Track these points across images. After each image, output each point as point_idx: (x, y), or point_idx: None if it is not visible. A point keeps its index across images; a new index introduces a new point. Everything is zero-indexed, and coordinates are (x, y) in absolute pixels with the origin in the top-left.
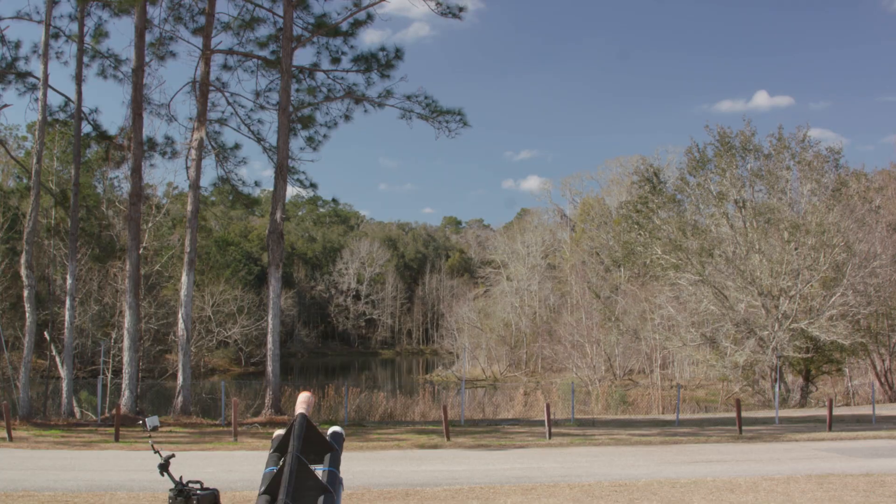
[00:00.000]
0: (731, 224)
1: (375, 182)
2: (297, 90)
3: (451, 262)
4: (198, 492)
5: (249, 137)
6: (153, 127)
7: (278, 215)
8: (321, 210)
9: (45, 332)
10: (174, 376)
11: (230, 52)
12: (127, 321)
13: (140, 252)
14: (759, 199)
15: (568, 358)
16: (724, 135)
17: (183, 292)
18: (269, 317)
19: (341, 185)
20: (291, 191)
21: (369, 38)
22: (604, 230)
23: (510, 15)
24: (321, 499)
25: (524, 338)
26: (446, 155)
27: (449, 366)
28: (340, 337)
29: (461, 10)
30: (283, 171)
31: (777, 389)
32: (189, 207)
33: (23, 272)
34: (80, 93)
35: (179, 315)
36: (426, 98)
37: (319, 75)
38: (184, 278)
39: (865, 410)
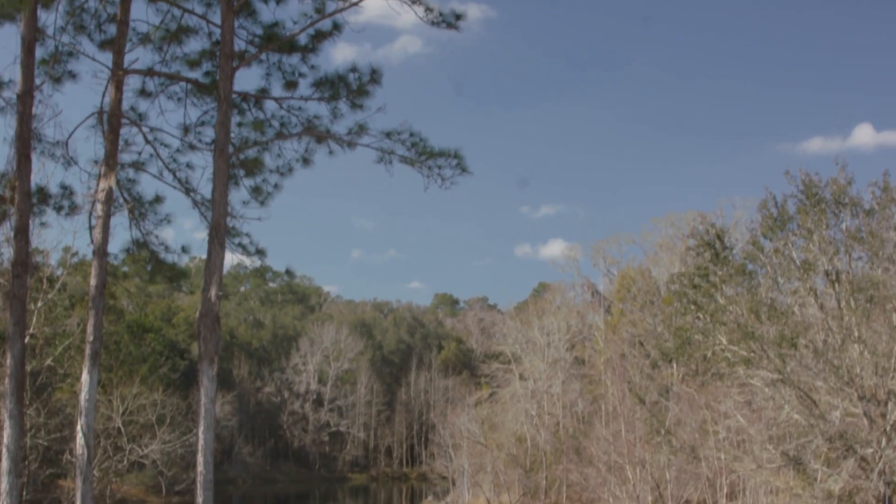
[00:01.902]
0: (821, 304)
1: (346, 248)
2: (240, 124)
3: (444, 354)
4: None
5: (175, 187)
6: (45, 173)
7: (213, 292)
8: (271, 285)
9: None
10: None
11: (149, 72)
12: (6, 436)
13: (26, 341)
14: (858, 271)
15: (602, 485)
16: (810, 184)
17: (83, 396)
18: (200, 429)
19: (299, 252)
20: (231, 259)
21: (340, 55)
22: (650, 312)
23: (526, 28)
24: None
25: (543, 458)
26: (439, 212)
27: (442, 496)
28: (296, 456)
29: (459, 18)
30: (221, 233)
31: None
32: (93, 281)
33: None
34: None
35: (78, 427)
36: (412, 135)
37: (269, 104)
38: (85, 377)
39: None
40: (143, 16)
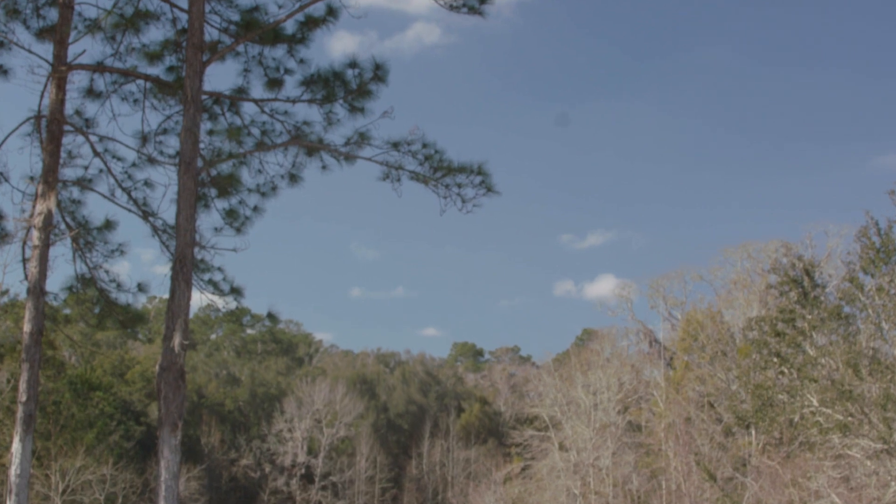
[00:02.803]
0: None
1: (343, 285)
2: (212, 132)
3: (466, 418)
4: None
5: (130, 210)
6: None
7: (177, 341)
8: (250, 332)
9: None
10: None
11: (99, 67)
12: None
13: None
14: None
15: None
16: None
17: (13, 470)
18: None
19: (285, 292)
20: (200, 300)
21: (338, 47)
22: (722, 366)
23: (568, 11)
24: None
25: None
26: (460, 241)
27: None
28: None
29: (484, 2)
30: (187, 268)
31: None
32: (26, 327)
33: None
34: None
35: None
36: (425, 146)
37: (248, 108)
38: (16, 445)
39: None
40: None
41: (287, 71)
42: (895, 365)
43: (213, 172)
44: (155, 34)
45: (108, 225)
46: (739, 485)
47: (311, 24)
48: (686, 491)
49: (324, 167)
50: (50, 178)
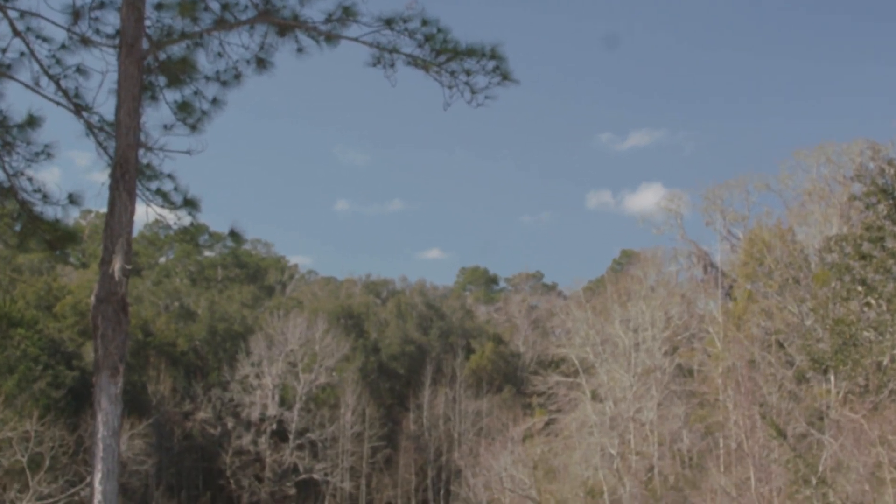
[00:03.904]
0: None
1: (325, 197)
2: (160, 6)
3: (476, 362)
4: None
5: (60, 103)
6: None
7: (117, 266)
8: (207, 254)
9: None
10: None
11: None
12: None
13: None
14: None
15: None
16: None
17: None
18: (97, 477)
19: (252, 205)
20: (146, 214)
21: None
22: (794, 296)
23: None
24: None
25: None
26: (470, 142)
27: None
28: None
29: None
30: (129, 175)
31: None
32: None
33: None
34: None
35: None
36: (426, 23)
37: None
38: None
39: None
40: None
41: None
42: None
43: (162, 56)
44: None
45: (32, 121)
46: (815, 443)
47: None
48: (749, 450)
49: (299, 50)
50: None
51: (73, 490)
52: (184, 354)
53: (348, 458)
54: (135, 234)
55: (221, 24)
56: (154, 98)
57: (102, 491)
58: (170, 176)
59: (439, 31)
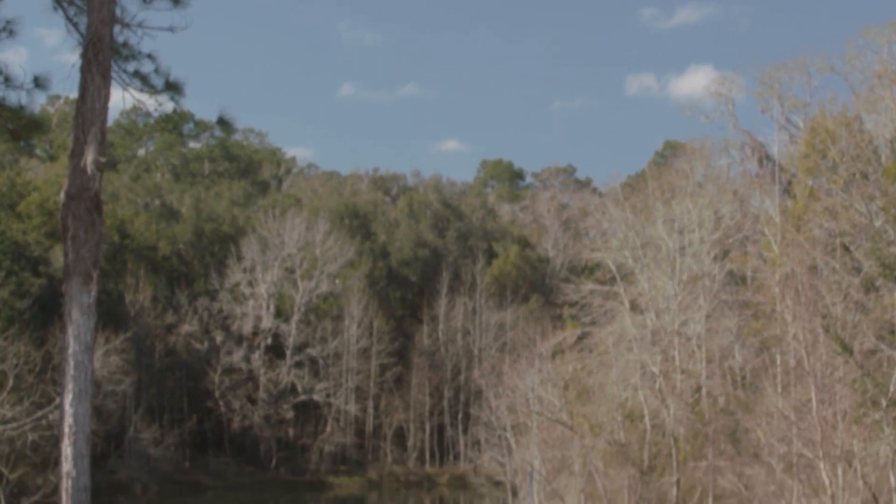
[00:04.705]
0: None
1: (328, 82)
2: None
3: (499, 267)
4: None
5: None
6: None
7: (90, 158)
8: (193, 146)
9: None
10: None
11: None
12: None
13: None
14: None
15: (778, 496)
16: None
17: None
18: (68, 398)
19: (243, 91)
20: (122, 100)
21: None
22: (861, 193)
23: None
24: None
25: (673, 449)
26: (495, 20)
27: None
28: (236, 445)
29: None
30: (103, 55)
31: None
32: None
33: None
34: None
35: None
36: None
37: None
38: None
39: None
40: None
41: None
42: None
43: None
44: None
45: None
46: (885, 359)
47: None
48: (810, 368)
49: None
50: None
51: (40, 413)
52: (166, 259)
53: (353, 378)
54: (110, 122)
55: None
56: None
57: (74, 413)
58: (149, 56)
59: None
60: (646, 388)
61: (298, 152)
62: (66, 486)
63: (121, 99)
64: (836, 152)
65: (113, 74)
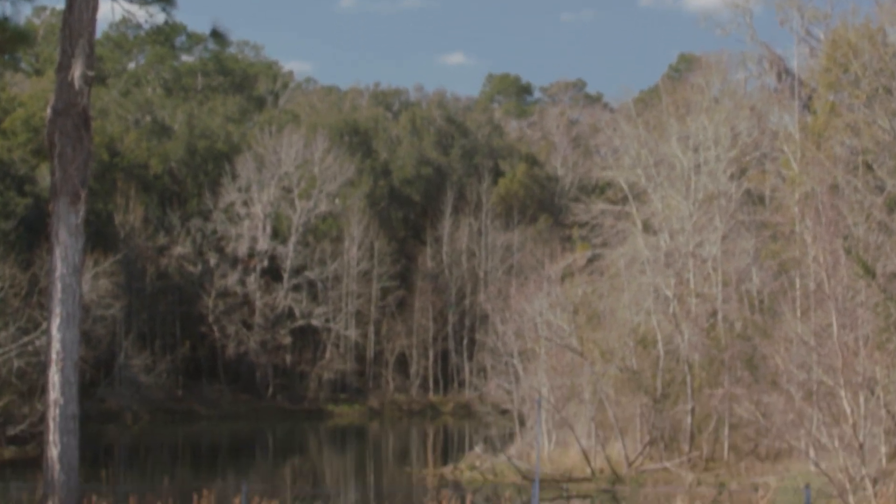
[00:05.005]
0: None
1: None
2: None
3: (506, 186)
4: None
5: None
6: None
7: (77, 72)
8: (185, 59)
9: None
10: None
11: None
12: None
13: None
14: None
15: (797, 425)
16: None
17: None
18: (55, 323)
19: (240, 2)
20: (111, 11)
21: None
22: (885, 108)
23: None
24: None
25: (688, 376)
26: None
27: (500, 443)
28: (231, 372)
29: None
30: None
31: None
32: None
33: None
34: None
35: None
36: None
37: None
38: None
39: None
40: None
41: None
42: None
43: None
44: None
45: None
46: None
47: None
48: (830, 291)
49: None
50: None
51: (26, 339)
52: (157, 178)
53: (353, 302)
54: (98, 34)
55: None
56: None
57: (61, 339)
58: None
59: None
60: (659, 313)
61: (296, 66)
62: (53, 414)
63: (110, 10)
64: (858, 66)
65: None
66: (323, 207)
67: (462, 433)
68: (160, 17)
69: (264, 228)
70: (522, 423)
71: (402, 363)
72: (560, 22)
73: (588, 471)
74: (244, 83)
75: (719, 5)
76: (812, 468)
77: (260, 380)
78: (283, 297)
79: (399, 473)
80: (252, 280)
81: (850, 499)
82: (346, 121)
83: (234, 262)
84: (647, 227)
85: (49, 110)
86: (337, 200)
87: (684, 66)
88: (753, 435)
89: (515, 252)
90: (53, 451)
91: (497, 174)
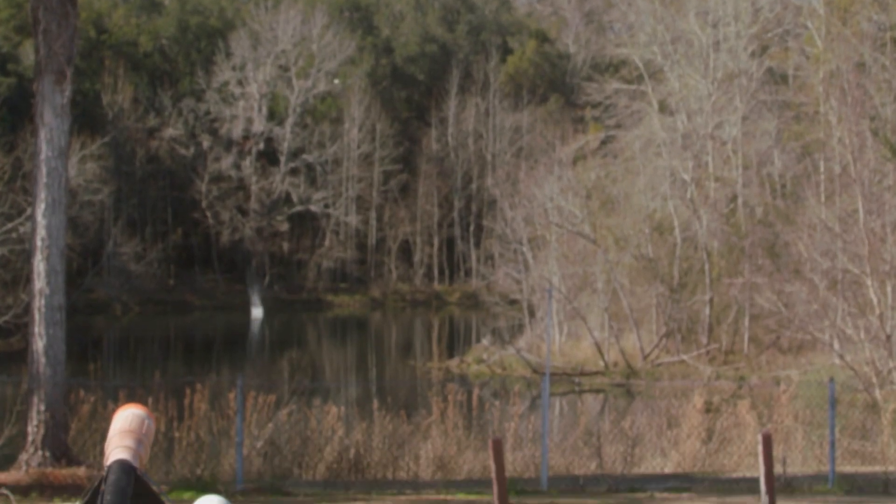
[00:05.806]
0: None
1: None
2: None
3: (515, 64)
4: None
5: None
6: None
7: None
8: None
9: None
10: None
11: None
12: None
13: None
14: None
15: (821, 315)
16: None
17: None
18: (40, 209)
19: None
20: None
21: None
22: None
23: None
24: None
25: (706, 264)
26: None
27: (509, 335)
28: (226, 260)
29: None
30: None
31: None
32: None
33: None
34: None
35: None
36: None
37: None
38: None
39: None
40: None
41: None
42: None
43: None
44: None
45: None
46: None
47: None
48: (856, 175)
49: None
50: None
51: (9, 225)
52: (147, 56)
53: (354, 186)
54: None
55: None
56: None
57: (47, 225)
58: None
59: None
60: (676, 198)
61: None
62: (38, 304)
63: None
64: None
65: None
66: (322, 87)
67: (468, 324)
68: None
69: (260, 109)
70: (532, 314)
71: (406, 251)
72: None
73: (601, 364)
74: None
75: None
76: (836, 361)
77: (256, 268)
78: (279, 181)
79: (402, 367)
80: (247, 163)
81: (877, 392)
82: None
83: (229, 144)
84: (664, 108)
85: None
86: (336, 80)
87: None
88: (775, 326)
89: (525, 134)
90: (39, 344)
91: (505, 51)
